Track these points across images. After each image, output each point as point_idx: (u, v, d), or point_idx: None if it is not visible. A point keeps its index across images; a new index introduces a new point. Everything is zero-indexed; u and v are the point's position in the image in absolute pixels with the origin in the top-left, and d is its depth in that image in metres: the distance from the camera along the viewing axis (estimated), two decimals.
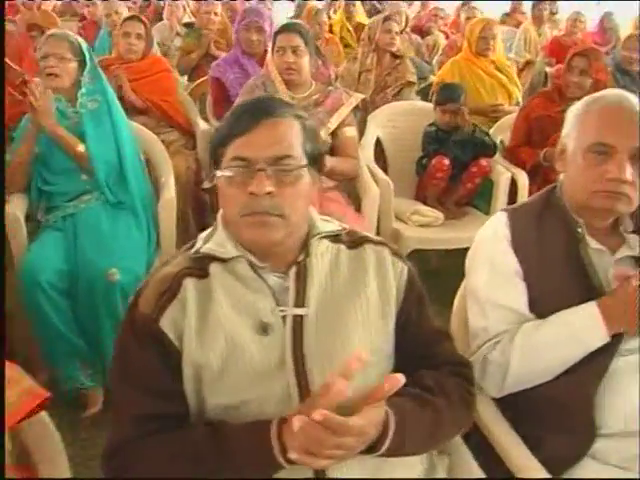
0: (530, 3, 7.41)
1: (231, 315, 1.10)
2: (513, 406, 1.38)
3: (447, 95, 3.12)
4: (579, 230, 1.36)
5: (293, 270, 1.15)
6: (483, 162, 2.98)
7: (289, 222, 1.11)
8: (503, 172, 3.02)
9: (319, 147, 1.19)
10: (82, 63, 2.41)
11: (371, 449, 1.03)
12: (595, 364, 1.28)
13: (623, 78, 3.97)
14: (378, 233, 2.83)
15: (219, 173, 1.13)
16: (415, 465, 1.18)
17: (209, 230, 1.23)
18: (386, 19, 3.67)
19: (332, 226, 1.24)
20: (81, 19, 6.43)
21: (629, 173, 1.30)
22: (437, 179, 2.96)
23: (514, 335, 1.33)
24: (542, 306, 1.35)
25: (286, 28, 2.62)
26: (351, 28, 5.77)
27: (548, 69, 5.13)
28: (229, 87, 3.34)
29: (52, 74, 2.35)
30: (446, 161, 2.94)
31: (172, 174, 2.67)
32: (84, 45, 2.44)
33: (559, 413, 1.31)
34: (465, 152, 3.05)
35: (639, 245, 1.37)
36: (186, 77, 4.68)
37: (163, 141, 3.37)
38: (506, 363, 1.32)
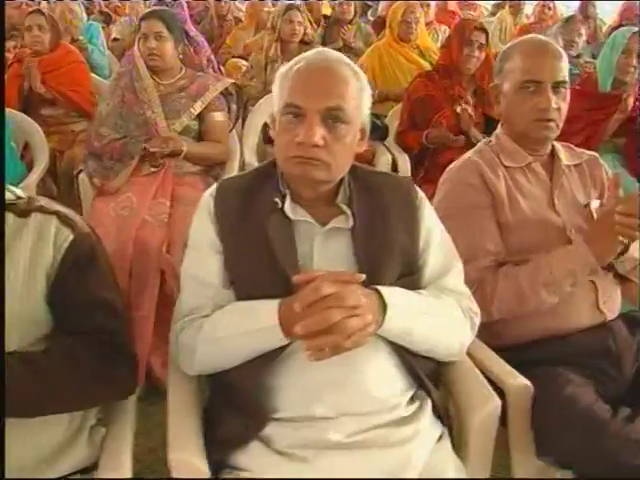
0: None
1: None
2: (208, 384, 1.37)
3: None
4: (276, 200, 1.30)
5: None
6: None
7: None
8: (382, 155, 3.00)
9: None
10: None
11: None
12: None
13: None
14: None
15: None
16: (55, 429, 1.21)
17: None
18: (288, 9, 3.65)
19: (9, 196, 1.29)
20: None
21: (318, 136, 1.21)
22: None
23: (204, 319, 1.28)
24: (239, 280, 1.30)
25: (149, 15, 2.65)
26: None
27: None
28: None
29: None
30: None
31: (45, 160, 2.80)
32: None
33: (232, 395, 1.27)
34: None
35: (351, 217, 1.30)
36: None
37: (73, 131, 3.49)
38: (193, 348, 1.28)
